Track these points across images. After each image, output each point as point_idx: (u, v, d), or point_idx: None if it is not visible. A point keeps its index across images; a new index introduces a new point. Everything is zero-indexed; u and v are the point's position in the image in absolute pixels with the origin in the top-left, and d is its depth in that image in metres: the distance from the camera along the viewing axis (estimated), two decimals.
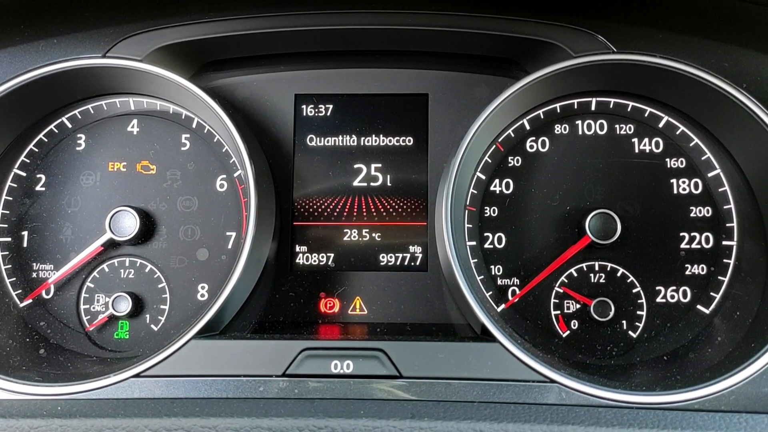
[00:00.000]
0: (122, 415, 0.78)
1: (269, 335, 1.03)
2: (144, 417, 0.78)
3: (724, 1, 0.97)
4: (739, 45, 1.02)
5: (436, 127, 1.13)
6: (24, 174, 1.12)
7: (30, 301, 1.09)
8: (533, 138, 1.11)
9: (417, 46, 1.13)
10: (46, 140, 1.13)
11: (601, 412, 0.80)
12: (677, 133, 1.09)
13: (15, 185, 1.12)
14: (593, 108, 1.11)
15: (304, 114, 1.14)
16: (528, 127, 1.11)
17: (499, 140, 1.10)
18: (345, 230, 1.12)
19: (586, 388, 0.87)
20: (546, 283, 1.07)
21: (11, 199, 1.11)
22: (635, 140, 1.10)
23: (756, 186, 1.05)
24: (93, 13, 1.05)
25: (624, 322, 1.06)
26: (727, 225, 1.06)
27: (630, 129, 1.10)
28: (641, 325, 1.05)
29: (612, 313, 1.04)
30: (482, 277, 1.08)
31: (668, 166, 1.09)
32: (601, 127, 1.11)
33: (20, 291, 1.10)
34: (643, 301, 1.06)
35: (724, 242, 1.06)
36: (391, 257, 1.11)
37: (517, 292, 1.07)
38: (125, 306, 1.06)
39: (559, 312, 1.07)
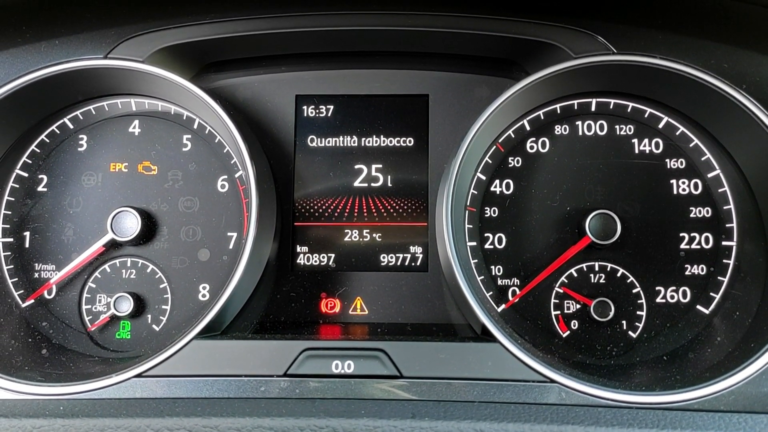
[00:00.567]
0: (124, 415, 0.79)
1: (270, 335, 1.03)
2: (146, 417, 0.78)
3: (724, 1, 0.97)
4: (739, 46, 1.02)
5: (437, 127, 1.13)
6: (26, 175, 1.12)
7: (32, 301, 1.09)
8: (533, 138, 1.11)
9: (417, 47, 1.13)
10: (47, 141, 1.13)
11: (601, 412, 0.80)
12: (677, 133, 1.09)
13: (17, 186, 1.12)
14: (593, 109, 1.11)
15: (305, 115, 1.15)
16: (528, 128, 1.11)
17: (500, 141, 1.11)
18: (346, 230, 1.12)
19: (586, 388, 0.87)
20: (546, 284, 1.07)
21: (13, 199, 1.11)
22: (635, 141, 1.10)
23: (756, 186, 1.05)
24: (95, 14, 1.05)
25: (624, 322, 1.06)
26: (727, 225, 1.07)
27: (630, 130, 1.10)
28: (641, 325, 1.06)
29: (612, 314, 1.04)
30: (482, 277, 1.08)
31: (668, 166, 1.09)
32: (601, 127, 1.11)
33: (22, 291, 1.10)
34: (643, 301, 1.06)
35: (724, 243, 1.06)
36: (391, 257, 1.11)
37: (518, 292, 1.07)
38: (127, 306, 1.07)
39: (559, 312, 1.07)
